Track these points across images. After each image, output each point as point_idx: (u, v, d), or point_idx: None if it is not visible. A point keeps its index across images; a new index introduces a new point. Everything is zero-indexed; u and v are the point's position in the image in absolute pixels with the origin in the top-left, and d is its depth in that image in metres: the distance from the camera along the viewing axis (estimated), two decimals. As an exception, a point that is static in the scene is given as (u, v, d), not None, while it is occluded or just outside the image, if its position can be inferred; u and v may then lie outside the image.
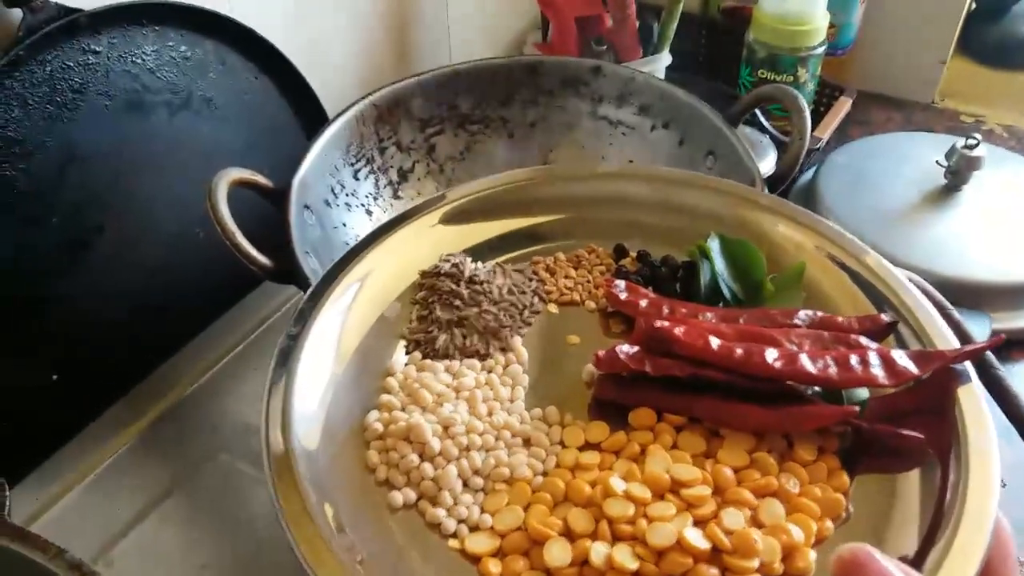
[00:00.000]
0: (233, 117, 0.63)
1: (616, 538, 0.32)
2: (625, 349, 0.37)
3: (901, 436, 0.35)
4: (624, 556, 0.31)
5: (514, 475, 0.35)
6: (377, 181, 0.66)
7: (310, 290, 0.40)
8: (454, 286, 0.42)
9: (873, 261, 0.41)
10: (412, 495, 0.35)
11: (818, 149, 0.82)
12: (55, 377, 0.56)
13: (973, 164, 0.71)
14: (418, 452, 0.36)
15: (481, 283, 0.43)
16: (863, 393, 0.36)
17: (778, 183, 0.60)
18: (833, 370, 0.35)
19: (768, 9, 0.79)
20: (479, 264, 0.44)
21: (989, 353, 0.54)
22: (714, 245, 0.42)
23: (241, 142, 0.64)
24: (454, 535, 0.34)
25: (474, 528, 0.34)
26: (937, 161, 0.72)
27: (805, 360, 0.35)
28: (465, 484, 0.35)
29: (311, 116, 0.67)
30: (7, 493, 0.39)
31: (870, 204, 0.72)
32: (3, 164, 0.50)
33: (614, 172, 0.49)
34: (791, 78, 0.81)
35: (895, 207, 0.72)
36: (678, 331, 0.37)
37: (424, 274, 0.44)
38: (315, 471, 0.34)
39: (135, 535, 0.53)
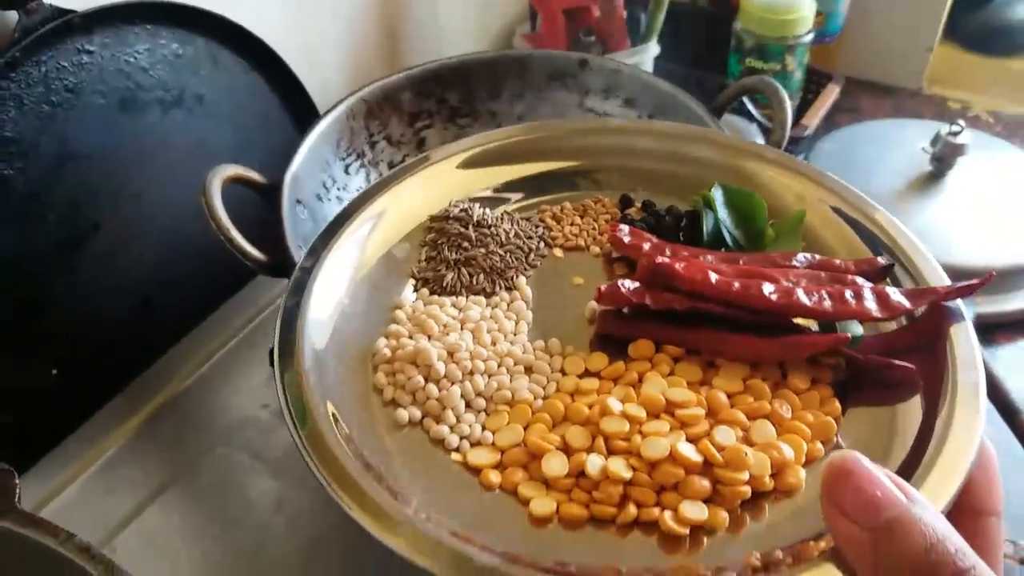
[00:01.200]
0: (224, 113, 0.63)
1: (611, 453, 0.33)
2: (627, 284, 0.38)
3: (893, 367, 0.36)
4: (618, 466, 0.32)
5: (515, 398, 0.37)
6: (368, 175, 0.67)
7: (323, 228, 0.42)
8: (462, 229, 0.44)
9: (874, 211, 0.42)
10: (417, 413, 0.36)
11: (806, 136, 0.83)
12: (55, 372, 0.57)
13: (957, 150, 0.71)
14: (424, 375, 0.37)
15: (489, 227, 0.44)
16: (858, 329, 0.37)
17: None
18: (828, 303, 0.36)
19: (755, -2, 0.80)
20: (487, 210, 0.45)
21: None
22: (718, 195, 0.43)
23: (232, 138, 0.64)
24: (457, 450, 0.35)
25: (476, 444, 0.35)
26: (923, 148, 0.73)
27: (801, 294, 0.36)
28: (468, 405, 0.37)
29: (301, 111, 0.68)
30: (17, 481, 0.39)
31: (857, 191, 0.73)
32: (0, 164, 0.51)
33: (622, 127, 0.50)
34: (779, 66, 0.82)
35: (881, 193, 0.73)
36: (678, 266, 0.38)
37: (433, 218, 0.45)
38: (324, 390, 0.35)
39: (136, 525, 0.54)
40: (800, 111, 0.86)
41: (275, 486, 0.56)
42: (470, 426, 0.36)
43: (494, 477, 0.34)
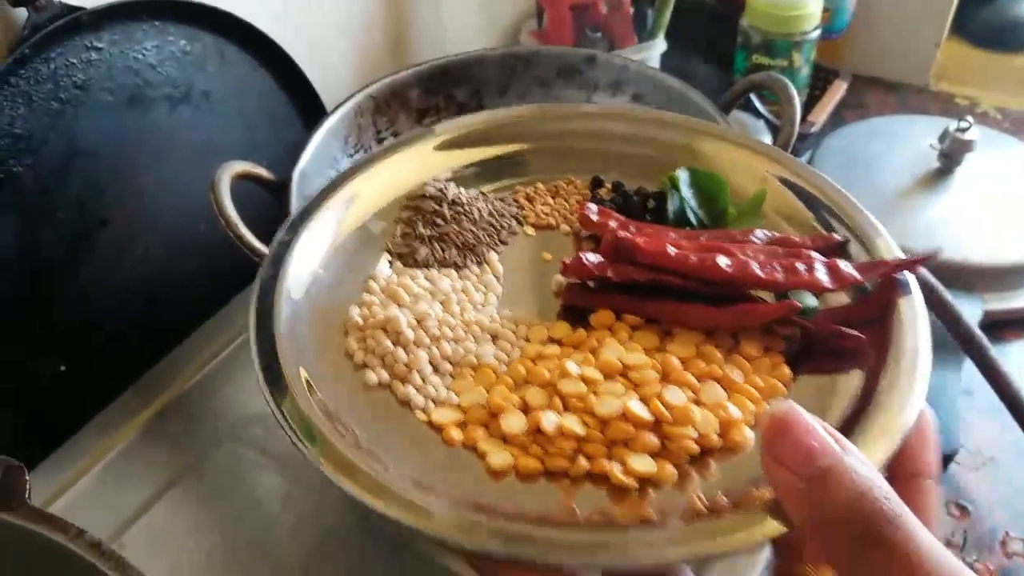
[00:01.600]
0: (232, 110, 0.64)
1: (567, 411, 0.35)
2: (591, 257, 0.40)
3: (844, 335, 0.37)
4: (573, 423, 0.34)
5: (481, 363, 0.38)
6: (375, 171, 0.67)
7: (304, 205, 0.43)
8: (437, 207, 0.45)
9: (832, 190, 0.44)
10: (385, 375, 0.37)
11: (813, 133, 0.82)
12: (63, 368, 0.57)
13: (965, 147, 0.71)
14: (393, 340, 0.38)
15: (463, 204, 0.45)
16: (812, 301, 0.39)
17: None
18: (780, 274, 0.38)
19: (761, -6, 0.80)
20: (462, 189, 0.46)
21: (982, 335, 0.55)
22: (683, 176, 0.45)
23: (240, 134, 0.65)
24: (422, 410, 0.36)
25: (441, 404, 0.37)
26: (930, 144, 0.73)
27: (754, 266, 0.38)
28: (435, 369, 0.38)
29: (308, 108, 0.68)
30: (27, 477, 0.40)
31: (864, 187, 0.73)
32: (10, 160, 0.51)
33: (596, 111, 0.53)
34: (786, 63, 0.82)
35: (889, 190, 0.73)
36: (640, 240, 0.40)
37: (409, 196, 0.46)
38: (298, 355, 0.36)
39: (145, 520, 0.54)
40: (807, 108, 0.86)
41: (282, 482, 0.56)
42: (436, 388, 0.37)
43: (456, 434, 0.35)
